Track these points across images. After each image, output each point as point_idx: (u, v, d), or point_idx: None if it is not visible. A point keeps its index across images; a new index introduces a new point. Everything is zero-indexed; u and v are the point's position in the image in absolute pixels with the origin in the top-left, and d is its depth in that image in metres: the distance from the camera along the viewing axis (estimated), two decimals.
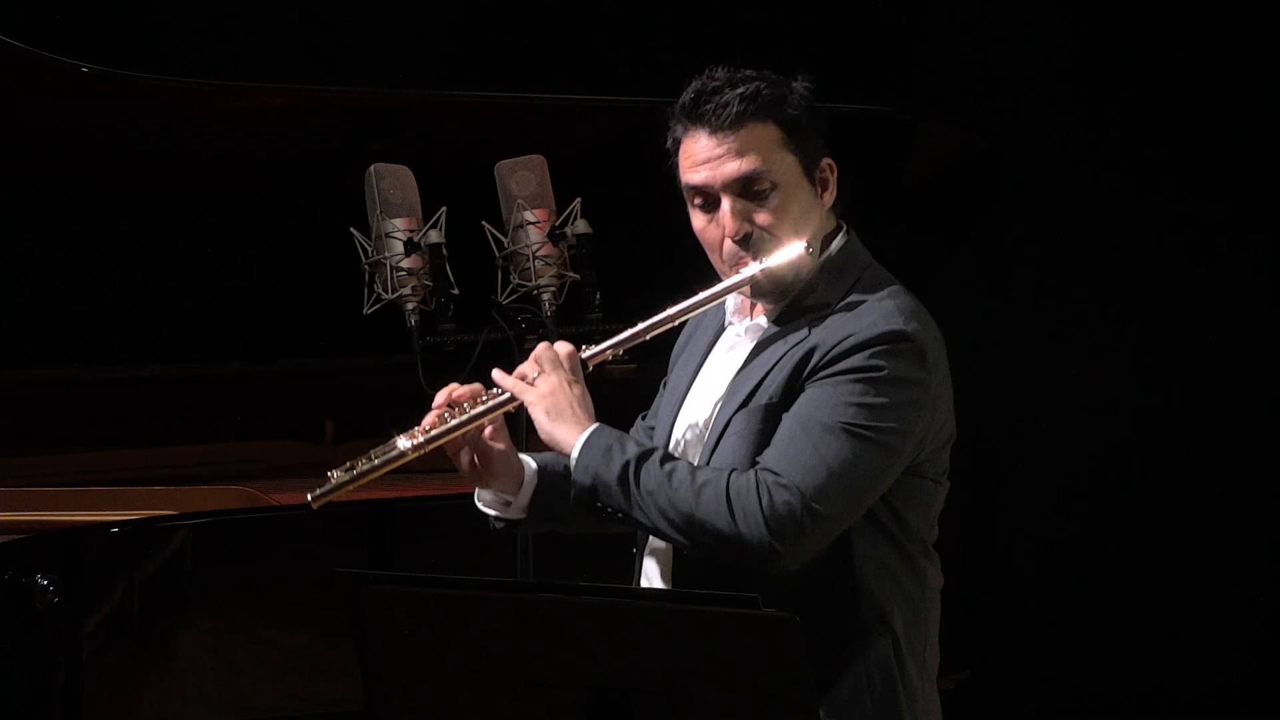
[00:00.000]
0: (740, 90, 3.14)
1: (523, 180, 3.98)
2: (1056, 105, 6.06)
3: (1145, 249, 6.04)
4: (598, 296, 4.08)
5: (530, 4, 5.89)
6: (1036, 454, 6.05)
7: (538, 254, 3.95)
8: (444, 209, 3.96)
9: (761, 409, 3.12)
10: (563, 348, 3.18)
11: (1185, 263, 6.03)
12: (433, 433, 3.20)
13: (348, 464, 3.24)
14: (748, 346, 3.21)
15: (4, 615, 4.12)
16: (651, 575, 3.24)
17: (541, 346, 3.19)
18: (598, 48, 5.90)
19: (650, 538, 3.23)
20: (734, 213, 3.14)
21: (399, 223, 3.94)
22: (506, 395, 3.19)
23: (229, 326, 5.18)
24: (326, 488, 3.23)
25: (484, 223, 3.95)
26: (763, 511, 3.01)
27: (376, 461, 3.21)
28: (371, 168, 3.94)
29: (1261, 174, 5.94)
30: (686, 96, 3.17)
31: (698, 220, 3.19)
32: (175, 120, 4.83)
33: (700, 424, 3.22)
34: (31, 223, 4.91)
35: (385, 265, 3.93)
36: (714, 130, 3.14)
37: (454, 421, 3.20)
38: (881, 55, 5.99)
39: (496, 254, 3.97)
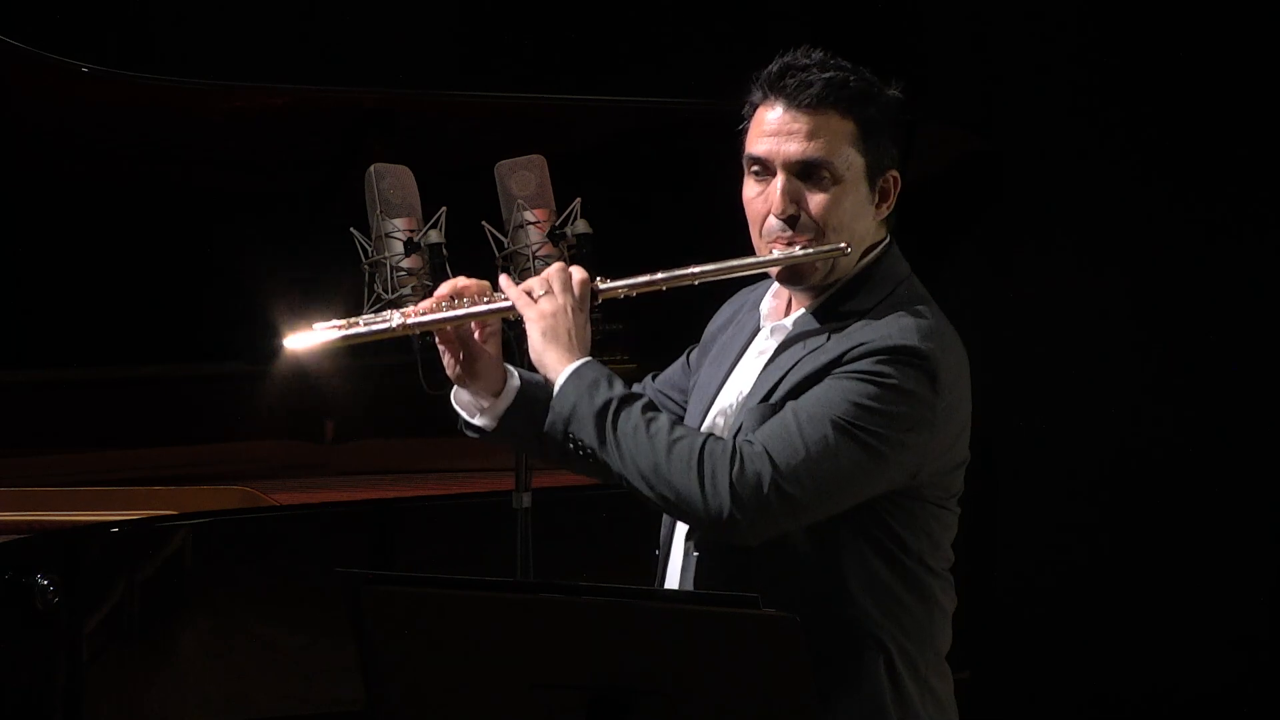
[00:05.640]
0: (828, 75, 3.11)
1: (523, 180, 3.97)
2: (1056, 105, 6.06)
3: (1146, 250, 6.03)
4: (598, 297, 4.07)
5: (531, 4, 5.89)
6: (1036, 453, 6.04)
7: (538, 254, 3.94)
8: (444, 209, 3.96)
9: (770, 408, 3.09)
10: (577, 273, 3.16)
11: (1186, 263, 6.02)
12: (425, 316, 3.20)
13: (335, 322, 3.22)
14: (774, 347, 3.19)
15: (4, 615, 4.12)
16: (673, 579, 3.21)
17: (556, 266, 3.16)
18: (599, 48, 5.89)
19: (674, 539, 3.21)
20: (785, 191, 3.11)
21: (399, 223, 3.93)
22: (510, 302, 3.17)
23: (229, 326, 5.17)
24: (308, 335, 3.22)
25: (484, 223, 3.95)
26: (731, 477, 2.98)
27: (363, 329, 3.21)
28: (371, 168, 3.94)
29: (1264, 172, 5.93)
30: (773, 67, 3.14)
31: (749, 189, 3.16)
32: (175, 120, 4.83)
33: (723, 423, 3.21)
34: (31, 223, 4.91)
35: (385, 265, 3.92)
36: (790, 106, 3.11)
37: (450, 313, 3.19)
38: (881, 55, 5.98)
39: (496, 254, 3.96)
